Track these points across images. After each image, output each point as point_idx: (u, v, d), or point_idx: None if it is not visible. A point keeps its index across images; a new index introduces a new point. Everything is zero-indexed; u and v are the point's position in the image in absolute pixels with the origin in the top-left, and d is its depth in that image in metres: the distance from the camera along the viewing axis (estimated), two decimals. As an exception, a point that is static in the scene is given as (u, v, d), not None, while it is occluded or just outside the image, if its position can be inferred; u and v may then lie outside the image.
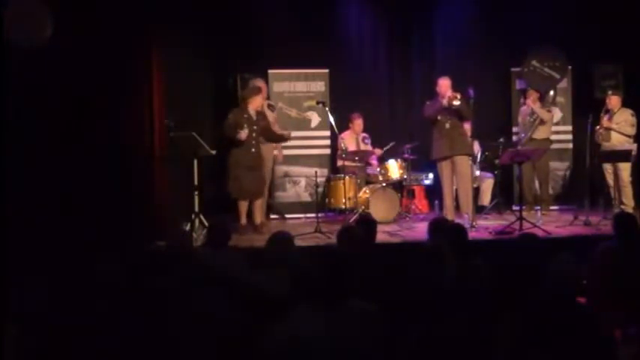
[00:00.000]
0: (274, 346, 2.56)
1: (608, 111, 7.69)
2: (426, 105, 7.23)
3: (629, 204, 7.43)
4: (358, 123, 8.18)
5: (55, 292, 3.30)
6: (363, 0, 9.06)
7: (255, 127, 6.82)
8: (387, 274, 3.74)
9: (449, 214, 6.99)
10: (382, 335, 2.66)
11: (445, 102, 6.92)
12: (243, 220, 6.89)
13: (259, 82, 7.60)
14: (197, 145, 6.63)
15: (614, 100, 7.68)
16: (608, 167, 7.67)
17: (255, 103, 6.90)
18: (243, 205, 6.89)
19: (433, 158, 7.22)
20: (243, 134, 6.69)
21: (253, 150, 6.87)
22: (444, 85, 7.02)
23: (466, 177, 7.02)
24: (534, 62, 8.28)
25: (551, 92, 8.43)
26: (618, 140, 7.60)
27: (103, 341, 2.91)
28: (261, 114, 7.00)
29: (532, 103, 8.11)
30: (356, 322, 2.60)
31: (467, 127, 7.56)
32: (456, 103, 6.87)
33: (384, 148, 8.21)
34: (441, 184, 7.19)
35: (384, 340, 2.67)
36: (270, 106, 7.72)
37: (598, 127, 7.62)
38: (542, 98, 8.30)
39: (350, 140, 8.08)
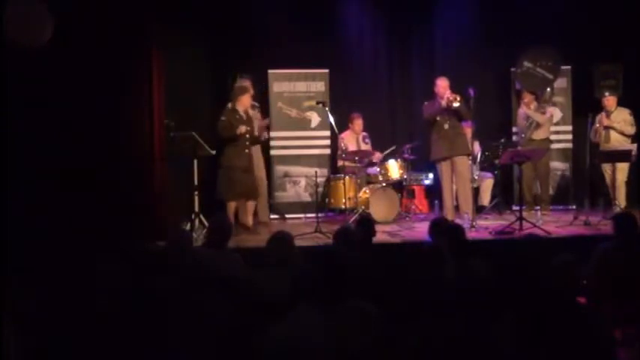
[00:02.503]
0: (274, 346, 2.56)
1: (606, 112, 7.71)
2: (424, 106, 7.23)
3: (621, 204, 7.42)
4: (358, 123, 8.17)
5: (55, 293, 3.30)
6: (363, 0, 9.06)
7: (248, 128, 6.85)
8: (387, 274, 3.74)
9: (449, 214, 7.00)
10: (382, 335, 2.66)
11: (444, 103, 6.92)
12: (236, 220, 6.83)
13: (245, 82, 7.56)
14: (197, 145, 6.63)
15: (611, 101, 7.71)
16: (607, 167, 7.67)
17: (243, 103, 6.92)
18: (232, 207, 6.84)
19: (432, 159, 7.23)
20: (244, 128, 6.73)
21: (247, 151, 6.90)
22: (442, 85, 7.03)
23: (465, 177, 7.03)
24: (527, 63, 8.26)
25: (548, 89, 8.43)
26: (618, 141, 7.60)
27: (103, 341, 2.91)
28: (250, 114, 7.03)
29: (526, 106, 8.10)
30: (355, 323, 2.60)
31: (468, 128, 7.58)
32: (456, 104, 6.87)
33: (385, 153, 8.19)
34: (441, 185, 7.20)
35: (384, 340, 2.67)
36: (253, 107, 7.68)
37: (597, 124, 7.60)
38: (539, 98, 8.29)
39: (350, 140, 8.08)
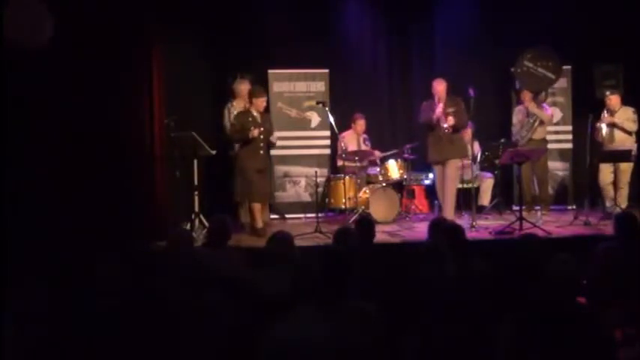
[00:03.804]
0: (274, 346, 2.56)
1: (609, 111, 7.66)
2: (422, 106, 7.24)
3: (622, 204, 7.38)
4: (361, 124, 8.17)
5: (55, 293, 3.30)
6: (363, 0, 9.06)
7: (261, 129, 6.78)
8: (387, 274, 3.74)
9: (447, 210, 7.04)
10: (382, 335, 2.66)
11: (436, 116, 6.96)
12: (260, 224, 6.74)
13: (245, 84, 7.54)
14: (197, 145, 6.63)
15: (614, 100, 7.62)
16: (605, 167, 7.60)
17: (259, 105, 6.85)
18: (258, 207, 6.78)
19: (428, 161, 7.35)
20: (257, 132, 6.66)
21: (262, 152, 6.84)
22: (440, 90, 7.05)
23: (452, 180, 7.12)
24: (526, 62, 8.24)
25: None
26: (622, 140, 7.52)
27: (103, 341, 2.91)
28: (264, 115, 6.99)
29: (528, 103, 8.09)
30: (356, 323, 2.60)
31: (468, 128, 7.58)
32: (445, 125, 6.93)
33: (384, 154, 8.19)
34: (436, 186, 7.28)
35: (384, 340, 2.67)
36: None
37: (598, 123, 7.52)
38: (536, 97, 8.28)
39: (351, 140, 8.08)
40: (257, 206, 6.78)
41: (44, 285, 3.42)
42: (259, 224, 6.73)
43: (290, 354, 2.51)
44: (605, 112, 7.63)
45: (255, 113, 6.82)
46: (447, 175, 7.09)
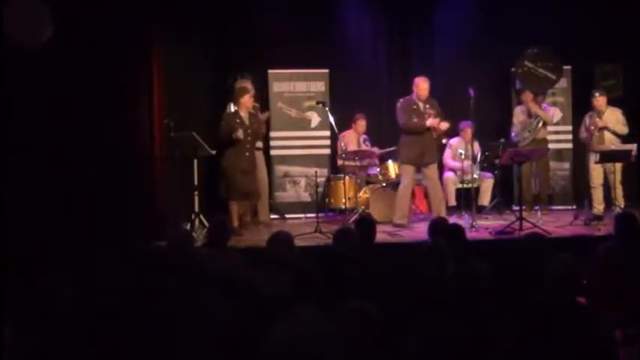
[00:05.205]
0: (273, 346, 2.56)
1: (596, 111, 7.56)
2: (399, 106, 7.14)
3: (620, 204, 7.33)
4: (361, 124, 8.18)
5: (55, 293, 3.29)
6: (363, 0, 9.06)
7: (249, 131, 6.83)
8: (387, 274, 3.74)
9: (403, 217, 7.08)
10: (382, 336, 2.66)
11: (429, 123, 6.97)
12: (236, 222, 6.84)
13: (245, 83, 7.54)
14: (197, 145, 6.63)
15: (601, 101, 7.45)
16: (599, 168, 7.53)
17: (245, 105, 6.90)
18: (235, 207, 6.87)
19: (401, 162, 7.27)
20: (240, 133, 6.70)
21: (247, 154, 6.88)
22: (425, 88, 7.03)
23: (436, 182, 7.18)
24: (527, 62, 8.24)
25: None
26: (611, 141, 7.45)
27: (102, 341, 2.91)
28: (253, 115, 7.01)
29: (530, 102, 8.06)
30: (355, 323, 2.60)
31: (468, 128, 7.58)
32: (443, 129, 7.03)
33: (383, 151, 8.19)
34: (401, 186, 7.22)
35: (384, 340, 2.67)
36: (253, 107, 7.65)
37: (592, 127, 7.42)
38: (536, 97, 8.27)
39: (351, 140, 8.08)
40: (234, 206, 6.83)
41: (44, 285, 3.42)
42: (235, 223, 6.79)
43: (290, 354, 2.50)
44: (595, 114, 7.50)
45: (242, 114, 6.87)
46: (433, 178, 7.15)
